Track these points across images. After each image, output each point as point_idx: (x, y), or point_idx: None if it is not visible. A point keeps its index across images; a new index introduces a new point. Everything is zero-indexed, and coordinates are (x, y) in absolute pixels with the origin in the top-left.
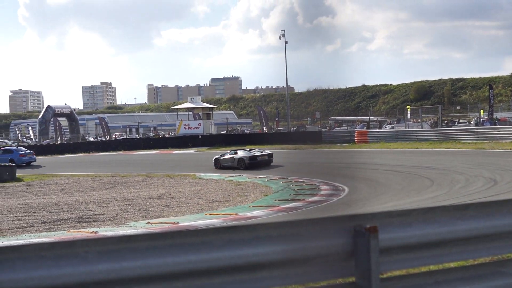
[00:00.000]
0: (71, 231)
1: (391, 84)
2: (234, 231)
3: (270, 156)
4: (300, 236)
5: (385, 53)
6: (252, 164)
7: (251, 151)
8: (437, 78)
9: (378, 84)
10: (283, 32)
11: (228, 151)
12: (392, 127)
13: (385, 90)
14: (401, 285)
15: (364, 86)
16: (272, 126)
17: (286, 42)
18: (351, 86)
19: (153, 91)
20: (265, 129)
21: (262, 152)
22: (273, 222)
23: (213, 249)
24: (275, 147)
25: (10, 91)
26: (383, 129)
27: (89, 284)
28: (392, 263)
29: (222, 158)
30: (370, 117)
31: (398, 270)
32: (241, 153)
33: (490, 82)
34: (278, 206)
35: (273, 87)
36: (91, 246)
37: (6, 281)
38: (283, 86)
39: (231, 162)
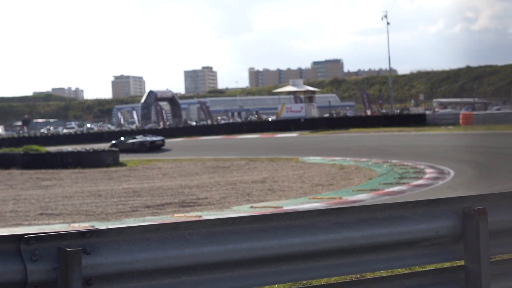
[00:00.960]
0: (175, 215)
1: (496, 65)
2: (340, 213)
3: (163, 141)
4: (406, 218)
5: (489, 34)
6: (152, 147)
7: (146, 136)
8: None
9: (483, 65)
10: (385, 13)
11: (124, 138)
12: (498, 109)
13: (490, 71)
14: (511, 268)
15: (468, 67)
16: (376, 108)
17: (388, 24)
18: (454, 67)
19: (255, 75)
20: (368, 112)
21: (157, 137)
22: (379, 204)
23: (318, 232)
24: (379, 130)
25: (113, 76)
26: (488, 111)
27: (194, 267)
28: (502, 246)
29: (120, 143)
30: (475, 99)
31: (509, 253)
32: (140, 138)
33: None
34: (383, 189)
35: (376, 69)
36: (196, 229)
37: (112, 263)
38: (386, 68)
39: (131, 146)
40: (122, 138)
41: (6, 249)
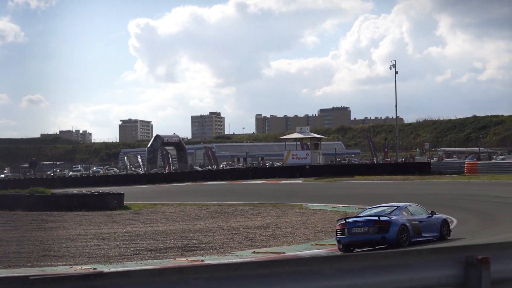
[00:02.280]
0: (177, 259)
1: (502, 115)
2: (344, 260)
3: None
4: (409, 267)
5: (496, 84)
6: None
7: None
8: None
9: (489, 115)
10: (393, 62)
11: None
12: (503, 159)
13: (496, 121)
14: None
15: (474, 117)
16: (381, 156)
17: (396, 73)
18: (461, 116)
19: (262, 121)
20: (375, 160)
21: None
22: (383, 252)
23: (322, 279)
24: (383, 177)
25: (120, 120)
26: (493, 161)
27: None
28: None
29: None
30: (481, 148)
31: None
32: None
33: None
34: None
35: (382, 117)
36: (201, 273)
37: None
38: (392, 117)
39: None
40: None
41: None
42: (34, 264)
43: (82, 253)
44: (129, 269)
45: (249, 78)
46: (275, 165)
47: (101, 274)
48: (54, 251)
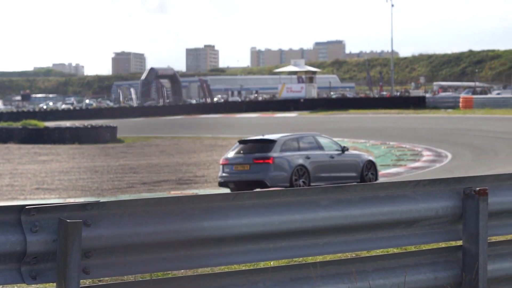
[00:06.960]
0: (172, 192)
1: (498, 50)
2: (342, 191)
3: None
4: (407, 197)
5: (492, 18)
6: None
7: None
8: None
9: (485, 49)
10: None
11: None
12: (498, 93)
13: (492, 56)
14: (509, 250)
15: (470, 51)
16: (376, 90)
17: (392, 5)
18: (456, 51)
19: (256, 54)
20: (371, 93)
21: None
22: (381, 183)
23: (319, 209)
24: (378, 111)
25: (113, 52)
26: (488, 95)
27: (194, 241)
28: (501, 227)
29: None
30: (476, 83)
31: (506, 234)
32: None
33: None
34: (380, 171)
35: (377, 51)
36: (197, 203)
37: (112, 236)
38: (388, 51)
39: None
40: None
41: (7, 220)
42: (28, 197)
43: (75, 186)
44: (126, 199)
45: (243, 10)
46: (269, 99)
47: (98, 204)
48: (47, 184)
